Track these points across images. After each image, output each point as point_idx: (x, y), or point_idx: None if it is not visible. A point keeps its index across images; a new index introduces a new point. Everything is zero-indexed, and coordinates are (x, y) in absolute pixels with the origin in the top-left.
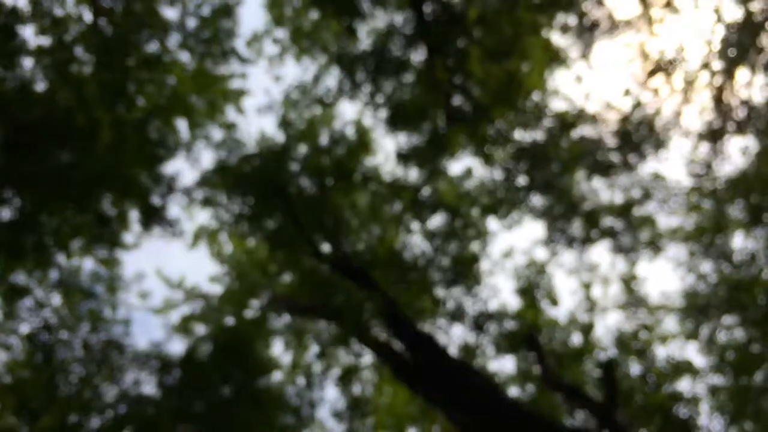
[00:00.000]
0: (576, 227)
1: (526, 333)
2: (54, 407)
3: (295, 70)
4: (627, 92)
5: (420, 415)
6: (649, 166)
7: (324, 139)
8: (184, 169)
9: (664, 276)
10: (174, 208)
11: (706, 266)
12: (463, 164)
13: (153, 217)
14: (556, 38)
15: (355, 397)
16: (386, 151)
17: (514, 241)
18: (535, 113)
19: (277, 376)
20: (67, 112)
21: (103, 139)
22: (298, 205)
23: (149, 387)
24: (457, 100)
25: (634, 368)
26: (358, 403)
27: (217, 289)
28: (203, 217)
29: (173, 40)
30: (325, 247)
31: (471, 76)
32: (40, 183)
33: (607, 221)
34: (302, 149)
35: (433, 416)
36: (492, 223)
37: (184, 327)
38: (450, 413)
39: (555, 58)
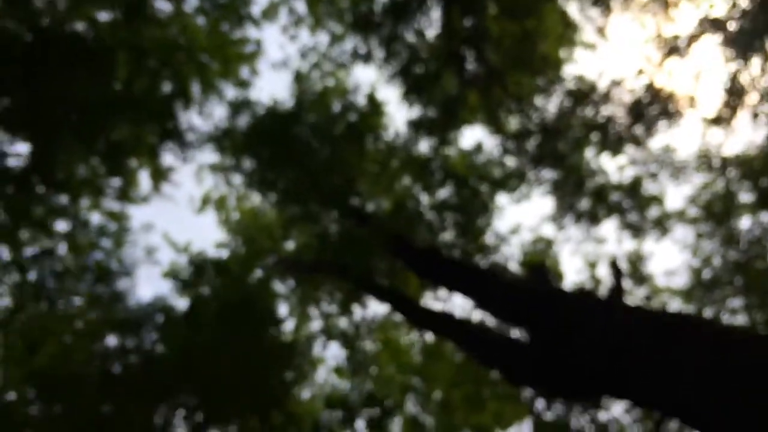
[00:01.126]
0: (584, 203)
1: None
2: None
3: (311, 40)
4: (640, 72)
5: (423, 367)
6: (658, 144)
7: (336, 107)
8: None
9: (671, 257)
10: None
11: (713, 249)
12: (475, 135)
13: (169, 139)
14: (573, 11)
15: (358, 356)
16: (398, 122)
17: (521, 216)
18: (549, 80)
19: (283, 334)
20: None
21: (119, 64)
22: (309, 161)
23: (152, 341)
24: (471, 63)
25: None
26: (361, 362)
27: (223, 255)
28: (211, 182)
29: (189, 3)
30: (335, 205)
31: (487, 34)
32: (54, 113)
33: (615, 197)
34: (314, 115)
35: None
36: (500, 196)
37: (188, 282)
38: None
39: (570, 27)
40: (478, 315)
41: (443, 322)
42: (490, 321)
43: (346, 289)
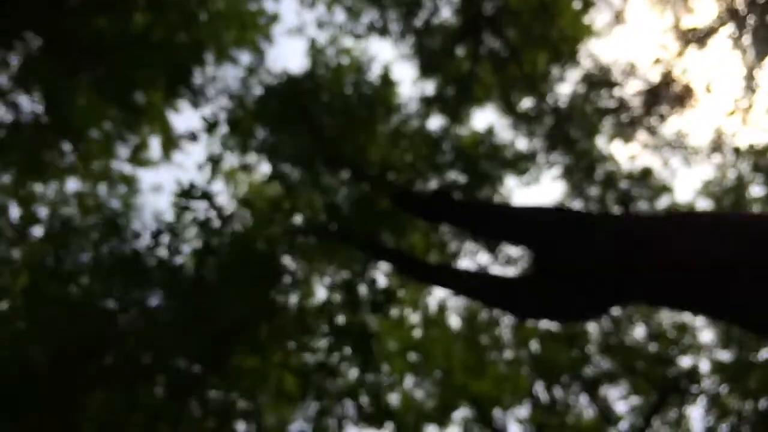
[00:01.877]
0: (594, 189)
1: None
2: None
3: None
4: (657, 60)
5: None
6: (671, 131)
7: (350, 79)
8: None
9: None
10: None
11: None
12: (488, 116)
13: (183, 84)
14: None
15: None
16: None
17: (530, 199)
18: (565, 59)
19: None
20: None
21: (138, 8)
22: (320, 128)
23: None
24: (487, 38)
25: (640, 330)
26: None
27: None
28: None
29: None
30: (346, 173)
31: (505, 7)
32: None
33: (625, 185)
34: (327, 84)
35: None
36: (510, 178)
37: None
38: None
39: (588, 5)
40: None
41: (447, 274)
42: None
43: (354, 257)
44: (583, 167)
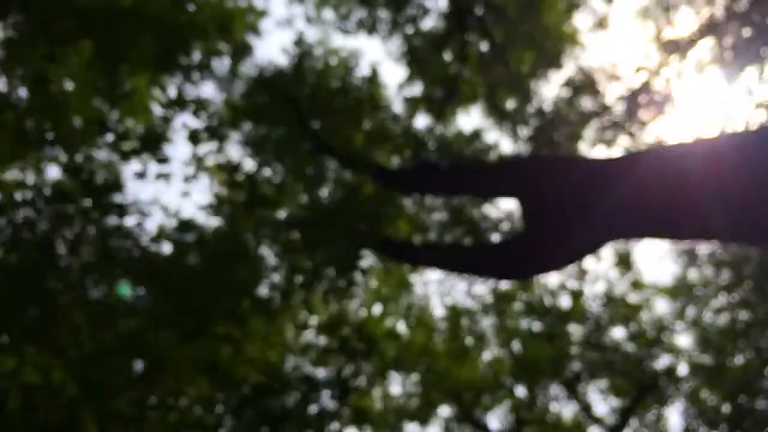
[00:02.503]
0: None
1: None
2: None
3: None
4: (639, 69)
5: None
6: (652, 137)
7: (337, 74)
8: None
9: (658, 255)
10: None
11: (701, 248)
12: (473, 118)
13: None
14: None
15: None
16: (397, 98)
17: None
18: (550, 58)
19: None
20: None
21: None
22: (307, 118)
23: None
24: (474, 37)
25: (619, 332)
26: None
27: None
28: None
29: None
30: (331, 163)
31: (491, 3)
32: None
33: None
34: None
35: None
36: None
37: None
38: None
39: (574, 5)
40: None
41: (434, 252)
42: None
43: (338, 246)
44: None
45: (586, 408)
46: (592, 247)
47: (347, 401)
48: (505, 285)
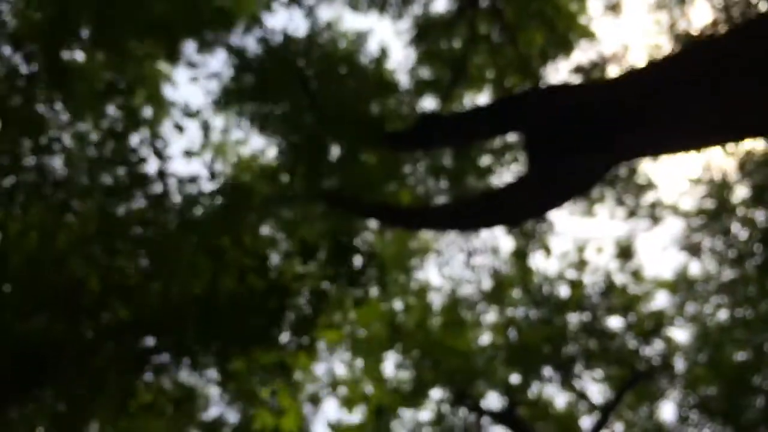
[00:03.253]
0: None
1: None
2: None
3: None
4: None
5: None
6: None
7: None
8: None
9: (660, 250)
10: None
11: (705, 243)
12: (482, 99)
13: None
14: None
15: None
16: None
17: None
18: (560, 39)
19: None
20: None
21: None
22: (314, 96)
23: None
24: (484, 17)
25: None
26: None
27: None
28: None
29: None
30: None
31: None
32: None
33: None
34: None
35: None
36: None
37: None
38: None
39: None
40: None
41: (437, 212)
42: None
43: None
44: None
45: (579, 393)
46: (599, 171)
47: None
48: (515, 232)
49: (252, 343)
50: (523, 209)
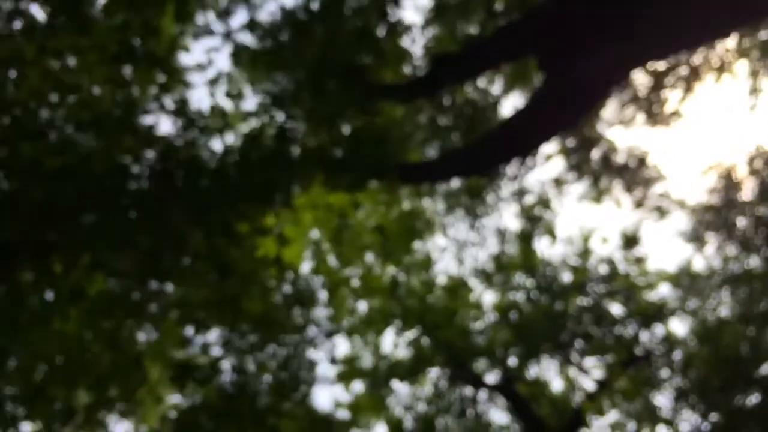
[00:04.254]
0: (592, 162)
1: None
2: None
3: None
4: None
5: None
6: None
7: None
8: None
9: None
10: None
11: (709, 239)
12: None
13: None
14: None
15: None
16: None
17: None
18: None
19: None
20: None
21: None
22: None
23: None
24: None
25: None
26: None
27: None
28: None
29: None
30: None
31: None
32: None
33: (621, 158)
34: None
35: None
36: None
37: None
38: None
39: None
40: None
41: (446, 160)
42: None
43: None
44: (582, 145)
45: (576, 374)
46: (609, 77)
47: None
48: (529, 160)
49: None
50: (539, 129)
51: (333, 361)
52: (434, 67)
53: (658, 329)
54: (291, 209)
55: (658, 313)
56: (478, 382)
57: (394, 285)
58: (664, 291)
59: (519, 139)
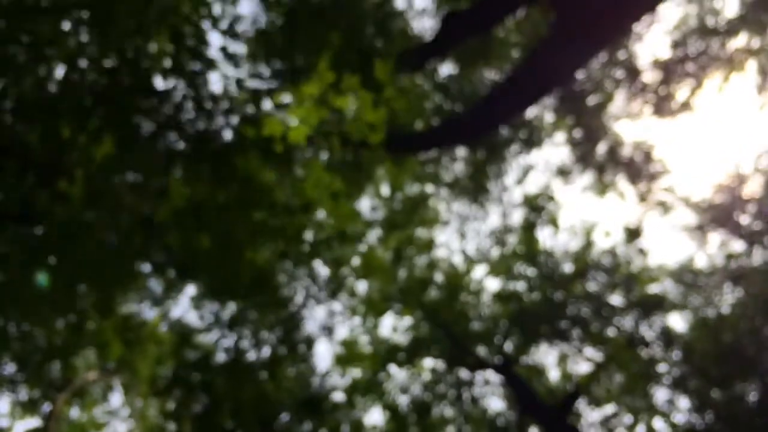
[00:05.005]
0: (598, 154)
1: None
2: None
3: None
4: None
5: None
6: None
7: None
8: None
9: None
10: None
11: (713, 235)
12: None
13: None
14: None
15: None
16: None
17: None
18: None
19: None
20: None
21: None
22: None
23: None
24: None
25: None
26: None
27: None
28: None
29: None
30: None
31: None
32: None
33: (627, 152)
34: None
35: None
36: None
37: None
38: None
39: None
40: None
41: (443, 127)
42: None
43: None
44: (589, 136)
45: (573, 357)
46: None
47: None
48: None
49: None
50: (551, 72)
51: (329, 330)
52: (445, 25)
53: (658, 321)
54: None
55: (657, 304)
56: (475, 365)
57: (396, 262)
58: (665, 286)
59: (532, 83)
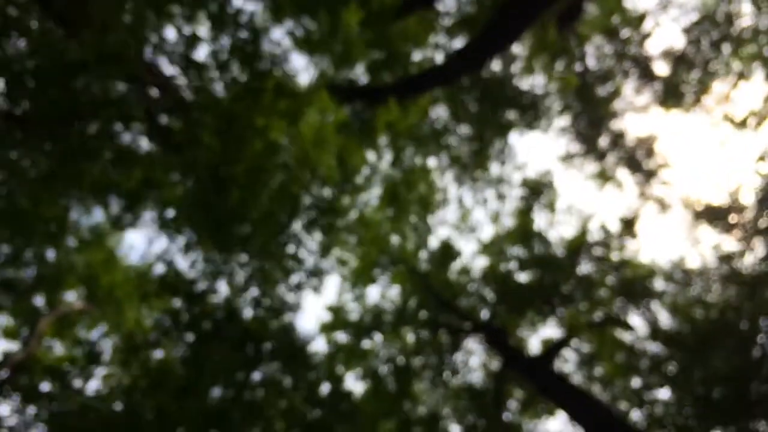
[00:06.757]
0: (600, 141)
1: None
2: None
3: None
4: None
5: None
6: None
7: None
8: None
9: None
10: None
11: (707, 239)
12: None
13: None
14: None
15: None
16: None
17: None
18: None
19: None
20: None
21: None
22: None
23: None
24: None
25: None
26: None
27: None
28: None
29: None
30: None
31: None
32: None
33: (630, 143)
34: None
35: None
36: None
37: None
38: None
39: None
40: None
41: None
42: None
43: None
44: (592, 124)
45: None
46: None
47: None
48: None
49: None
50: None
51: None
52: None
53: (644, 308)
54: None
55: (645, 292)
56: (459, 331)
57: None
58: (655, 283)
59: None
